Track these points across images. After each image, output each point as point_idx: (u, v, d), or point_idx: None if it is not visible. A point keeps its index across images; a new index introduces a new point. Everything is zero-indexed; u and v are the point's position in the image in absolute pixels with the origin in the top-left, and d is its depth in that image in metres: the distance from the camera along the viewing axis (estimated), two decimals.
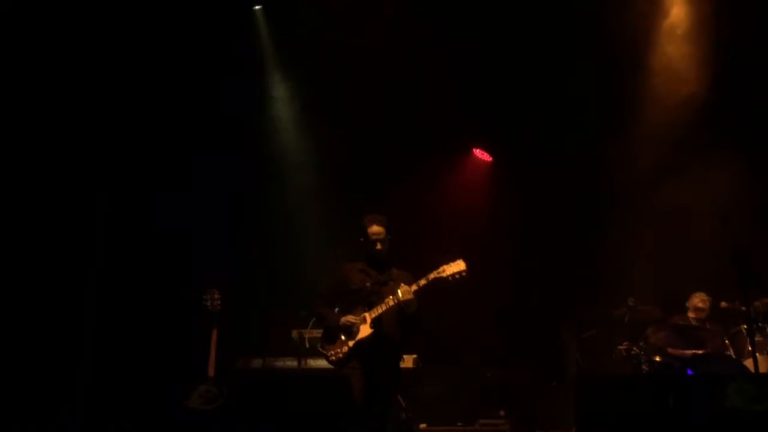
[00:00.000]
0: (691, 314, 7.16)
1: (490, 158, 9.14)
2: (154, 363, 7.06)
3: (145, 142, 7.62)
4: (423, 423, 7.16)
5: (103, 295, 7.24)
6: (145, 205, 7.61)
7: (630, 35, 7.72)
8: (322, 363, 5.97)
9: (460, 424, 7.44)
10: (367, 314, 5.55)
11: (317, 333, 6.20)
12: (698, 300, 7.14)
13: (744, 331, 6.62)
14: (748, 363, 5.94)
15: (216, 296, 6.05)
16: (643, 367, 6.71)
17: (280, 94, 8.60)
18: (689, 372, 6.33)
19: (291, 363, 6.90)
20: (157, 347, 7.15)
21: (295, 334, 7.01)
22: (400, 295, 5.44)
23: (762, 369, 6.12)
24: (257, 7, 8.31)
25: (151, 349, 7.14)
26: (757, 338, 6.37)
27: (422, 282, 5.52)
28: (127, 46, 7.42)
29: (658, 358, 6.80)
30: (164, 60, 7.64)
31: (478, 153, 9.17)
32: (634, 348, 6.83)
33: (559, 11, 7.64)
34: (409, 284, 5.51)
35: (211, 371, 5.76)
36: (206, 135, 7.87)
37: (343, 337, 5.58)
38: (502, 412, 7.59)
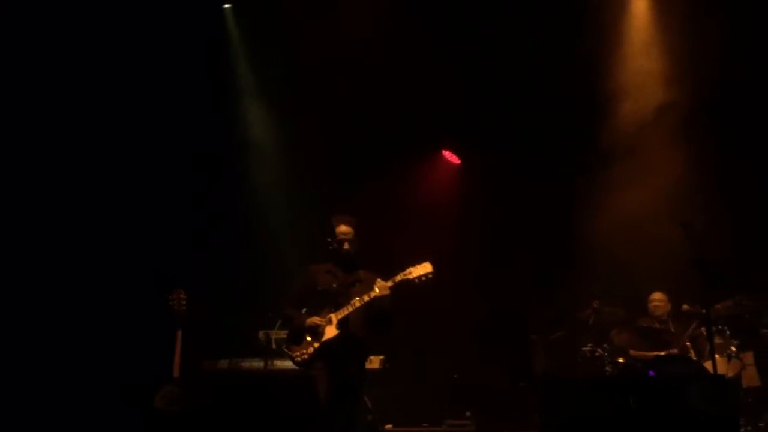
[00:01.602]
0: (652, 315, 7.27)
1: (459, 161, 9.19)
2: (118, 364, 6.97)
3: (108, 136, 7.53)
4: (389, 424, 7.17)
5: (66, 295, 7.13)
6: (109, 203, 7.50)
7: (599, 38, 7.83)
8: (288, 364, 5.94)
9: (426, 424, 7.45)
10: (333, 315, 5.55)
11: (284, 334, 6.18)
12: (654, 298, 7.26)
13: (705, 333, 6.75)
14: (709, 364, 6.05)
15: (182, 297, 6.01)
16: (607, 368, 6.81)
17: (249, 93, 8.55)
18: (651, 373, 6.42)
19: (257, 364, 6.85)
20: (121, 348, 7.05)
21: (261, 335, 6.97)
22: (376, 290, 5.44)
23: (721, 370, 6.24)
24: (227, 6, 8.27)
25: (115, 350, 7.04)
26: (718, 340, 6.50)
27: (389, 283, 5.53)
28: (96, 38, 7.34)
29: (621, 360, 6.90)
30: (131, 55, 7.56)
31: (447, 155, 9.21)
32: (599, 350, 6.93)
33: (531, 17, 7.70)
34: None
35: (175, 372, 5.72)
36: (172, 132, 7.79)
37: (308, 339, 5.56)
38: (468, 413, 7.62)
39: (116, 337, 7.13)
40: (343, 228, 5.72)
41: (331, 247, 5.72)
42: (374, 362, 6.78)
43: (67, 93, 7.33)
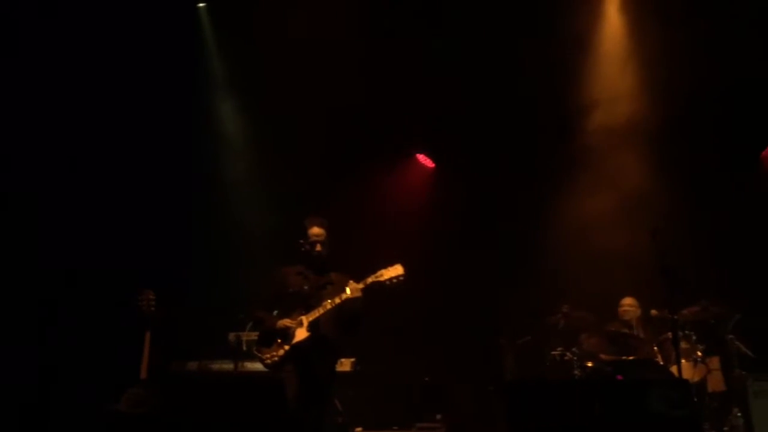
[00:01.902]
0: (621, 320, 7.35)
1: (433, 164, 9.22)
2: (85, 365, 6.88)
3: (77, 136, 7.44)
4: (359, 427, 7.16)
5: (30, 296, 7.03)
6: (75, 202, 7.42)
7: (572, 46, 7.92)
8: (258, 366, 5.90)
9: (396, 427, 7.46)
10: (304, 317, 5.53)
11: (255, 336, 6.14)
12: (625, 303, 7.35)
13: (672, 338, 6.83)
14: (676, 369, 6.13)
15: (150, 297, 5.94)
16: (576, 372, 6.86)
17: (222, 92, 8.51)
18: (618, 377, 6.49)
19: (227, 366, 6.81)
20: (88, 349, 6.96)
21: (232, 336, 6.93)
22: (348, 291, 5.43)
23: (686, 375, 6.33)
24: (201, 5, 8.23)
25: (82, 351, 6.95)
26: (684, 345, 6.59)
27: (360, 286, 5.52)
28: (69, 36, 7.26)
29: (590, 364, 6.96)
30: (103, 54, 7.49)
31: (421, 158, 9.23)
32: (568, 354, 6.98)
33: (506, 22, 7.75)
34: None
35: (143, 374, 5.66)
36: (140, 131, 7.73)
37: (279, 341, 5.54)
38: (438, 416, 7.64)
39: (82, 337, 7.04)
40: (315, 230, 5.71)
41: (303, 249, 5.71)
42: (345, 365, 6.78)
43: (34, 88, 7.23)
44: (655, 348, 6.94)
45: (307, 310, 5.54)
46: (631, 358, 6.77)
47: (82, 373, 6.84)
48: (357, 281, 5.53)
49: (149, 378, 5.62)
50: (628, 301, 7.35)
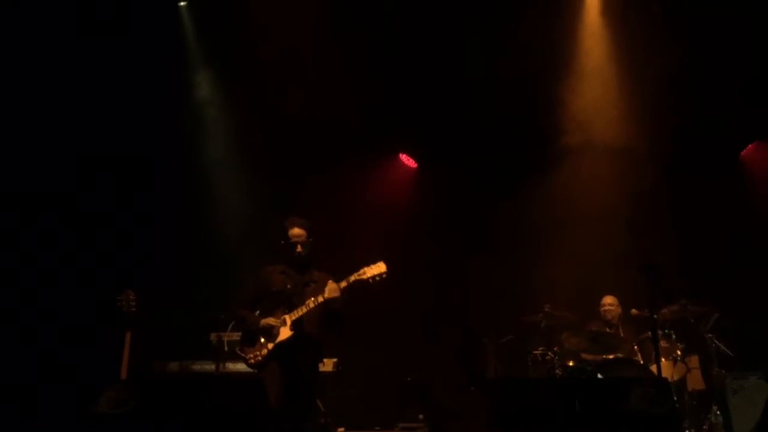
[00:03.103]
0: (603, 319, 7.40)
1: (416, 164, 9.24)
2: (65, 365, 6.81)
3: (61, 131, 7.37)
4: (341, 427, 7.14)
5: (9, 295, 6.95)
6: (60, 201, 7.35)
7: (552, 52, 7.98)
8: (240, 366, 5.88)
9: (379, 427, 7.46)
10: (287, 316, 5.53)
11: (236, 336, 6.11)
12: (606, 302, 7.40)
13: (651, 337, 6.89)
14: (655, 368, 6.19)
15: (131, 297, 5.90)
16: (557, 371, 6.90)
17: (204, 91, 8.47)
18: (599, 376, 6.53)
19: (209, 366, 6.77)
20: (66, 348, 6.90)
21: (213, 337, 6.89)
22: (326, 292, 5.43)
23: (666, 374, 6.37)
24: (182, 3, 8.19)
25: (60, 351, 6.89)
26: (663, 344, 6.66)
27: (343, 284, 5.53)
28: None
29: (571, 363, 7.00)
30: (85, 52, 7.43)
31: (404, 158, 9.25)
32: (549, 353, 7.01)
33: (487, 23, 7.78)
34: None
35: (123, 374, 5.61)
36: (124, 130, 7.67)
37: (262, 340, 5.53)
38: (420, 416, 7.64)
39: (62, 337, 6.97)
40: (296, 231, 5.70)
41: (284, 250, 5.70)
42: (328, 365, 6.76)
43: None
44: (636, 347, 6.99)
45: (290, 309, 5.54)
46: (611, 356, 6.82)
47: (62, 373, 6.77)
48: (340, 279, 5.54)
49: (129, 378, 5.58)
50: (608, 300, 7.41)
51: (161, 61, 7.83)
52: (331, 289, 5.45)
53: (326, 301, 5.46)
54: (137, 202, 7.75)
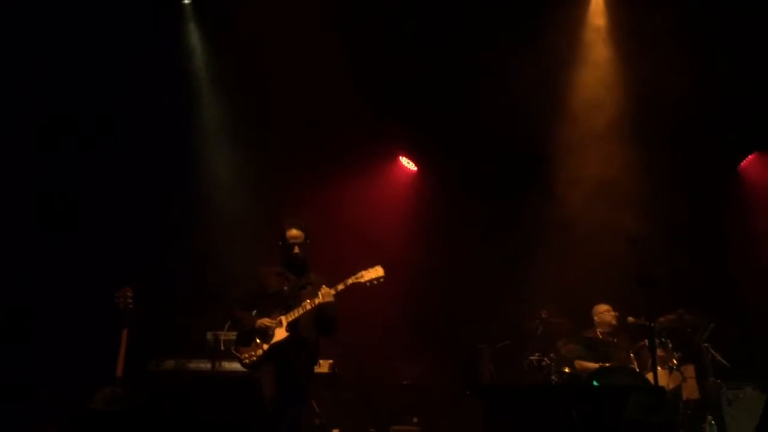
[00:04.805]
0: (597, 327, 7.40)
1: (416, 167, 9.23)
2: (59, 361, 6.80)
3: (61, 127, 7.37)
4: (336, 428, 7.14)
5: (6, 291, 6.94)
6: (58, 197, 7.34)
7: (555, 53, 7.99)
8: (236, 366, 5.88)
9: (373, 430, 7.46)
10: (283, 317, 5.53)
11: (233, 335, 6.11)
12: (601, 310, 7.40)
13: (648, 345, 6.89)
14: (651, 376, 6.19)
15: (128, 294, 5.90)
16: (553, 377, 6.90)
17: (205, 93, 8.47)
18: (594, 384, 6.54)
19: (205, 365, 6.76)
20: (63, 345, 6.88)
21: (210, 335, 6.88)
22: (320, 296, 5.44)
23: (662, 382, 6.39)
24: (187, 1, 8.20)
25: (57, 347, 6.87)
26: (660, 353, 6.66)
27: (340, 287, 5.54)
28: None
29: (567, 370, 7.01)
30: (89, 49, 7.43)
31: (404, 161, 9.24)
32: (545, 359, 7.01)
33: (486, 24, 7.80)
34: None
35: (119, 371, 5.61)
36: (125, 129, 7.67)
37: (258, 340, 5.53)
38: (415, 420, 7.64)
39: (59, 334, 6.95)
40: (293, 232, 5.71)
41: (282, 251, 5.70)
42: (323, 366, 6.76)
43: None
44: (632, 355, 7.00)
45: (286, 311, 5.55)
46: (607, 364, 6.83)
47: (59, 370, 6.76)
48: (338, 282, 5.55)
49: (125, 376, 5.58)
50: (604, 308, 7.40)
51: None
52: (325, 294, 5.47)
53: (320, 306, 5.47)
54: (135, 199, 7.74)
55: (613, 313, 7.30)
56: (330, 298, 5.46)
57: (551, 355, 6.98)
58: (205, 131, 8.52)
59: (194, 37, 8.30)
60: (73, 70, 7.41)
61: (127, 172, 7.64)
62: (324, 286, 5.50)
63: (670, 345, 6.86)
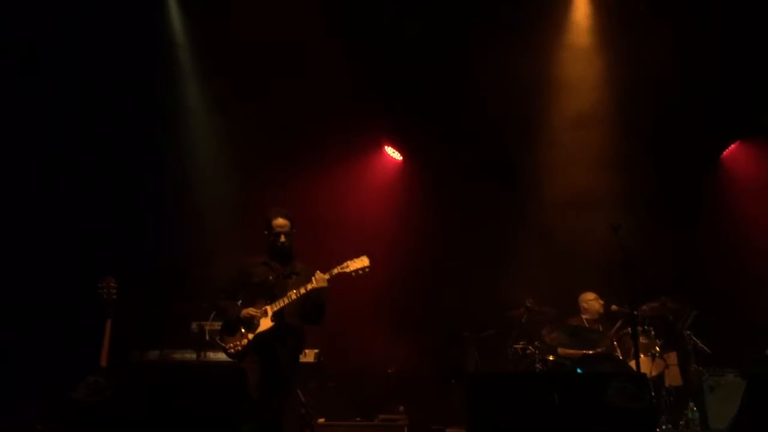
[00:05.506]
0: (584, 315, 7.46)
1: (401, 157, 9.23)
2: (45, 353, 6.76)
3: (42, 121, 7.29)
4: (322, 418, 7.15)
5: None
6: (39, 190, 7.26)
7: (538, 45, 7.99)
8: (221, 356, 5.86)
9: (359, 419, 7.47)
10: (268, 307, 5.52)
11: (218, 325, 6.09)
12: (587, 298, 7.45)
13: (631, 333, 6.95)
14: (634, 363, 6.24)
15: (112, 285, 5.87)
16: (537, 365, 6.95)
17: (189, 84, 8.40)
18: (578, 371, 6.59)
19: (190, 355, 6.75)
20: (46, 336, 6.84)
21: (194, 326, 6.86)
22: (314, 281, 5.43)
23: (644, 369, 6.46)
24: None
25: (42, 339, 6.82)
26: (643, 340, 6.73)
27: (326, 276, 5.52)
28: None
29: (551, 357, 7.06)
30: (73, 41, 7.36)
31: (389, 151, 9.23)
32: (530, 347, 7.06)
33: (474, 15, 7.78)
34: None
35: (102, 362, 5.58)
36: (107, 119, 7.60)
37: (243, 330, 5.52)
38: (401, 408, 7.66)
39: (41, 324, 6.90)
40: (280, 221, 5.69)
41: (267, 240, 5.68)
42: (309, 356, 6.77)
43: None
44: (615, 342, 7.06)
45: (271, 300, 5.53)
46: (591, 352, 6.88)
47: (42, 361, 6.71)
48: (323, 271, 5.53)
49: (109, 366, 5.55)
50: (589, 296, 7.46)
51: None
52: (319, 279, 5.46)
53: (312, 291, 5.46)
54: (120, 189, 7.69)
55: (600, 301, 7.35)
56: (324, 284, 5.45)
57: (536, 343, 7.02)
58: (189, 121, 8.47)
59: (177, 21, 8.23)
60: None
61: (107, 160, 7.58)
62: (318, 272, 5.49)
63: (653, 332, 6.92)
